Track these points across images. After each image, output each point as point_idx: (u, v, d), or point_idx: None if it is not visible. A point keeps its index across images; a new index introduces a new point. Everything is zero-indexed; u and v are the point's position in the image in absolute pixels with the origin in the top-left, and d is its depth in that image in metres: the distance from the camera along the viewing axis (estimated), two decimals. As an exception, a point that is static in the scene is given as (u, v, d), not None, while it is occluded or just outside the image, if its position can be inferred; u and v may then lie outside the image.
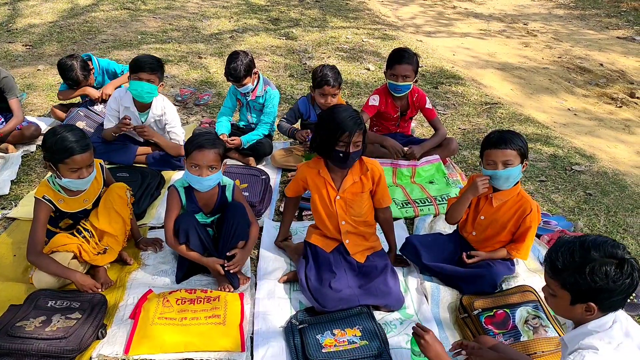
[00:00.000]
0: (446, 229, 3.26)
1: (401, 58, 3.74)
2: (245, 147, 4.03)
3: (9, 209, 3.44)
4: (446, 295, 2.77)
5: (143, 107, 3.89)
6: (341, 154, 2.62)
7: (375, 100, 3.92)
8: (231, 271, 2.75)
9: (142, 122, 3.90)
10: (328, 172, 2.77)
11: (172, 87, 5.51)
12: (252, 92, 4.04)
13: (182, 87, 5.51)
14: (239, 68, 3.82)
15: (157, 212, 3.50)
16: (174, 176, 3.92)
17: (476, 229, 2.88)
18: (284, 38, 7.26)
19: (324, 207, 2.81)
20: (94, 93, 4.43)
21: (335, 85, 3.73)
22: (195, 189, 2.88)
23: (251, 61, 3.92)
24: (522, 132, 4.69)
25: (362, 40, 7.29)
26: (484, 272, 2.71)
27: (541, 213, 3.44)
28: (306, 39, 7.27)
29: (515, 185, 2.76)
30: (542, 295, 2.63)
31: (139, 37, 6.96)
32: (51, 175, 2.77)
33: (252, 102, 4.10)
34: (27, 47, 6.50)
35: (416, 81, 3.90)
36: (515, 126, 4.90)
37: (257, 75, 4.03)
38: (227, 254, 2.79)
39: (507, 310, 2.51)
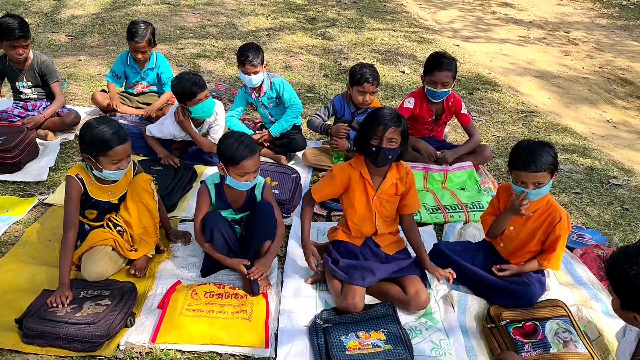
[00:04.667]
0: (476, 236, 3.22)
1: (440, 65, 3.70)
2: (276, 136, 4.07)
3: (46, 195, 3.53)
4: (473, 304, 2.73)
5: (200, 121, 3.93)
6: (374, 148, 2.63)
7: (410, 103, 3.90)
8: (252, 278, 2.74)
9: (197, 131, 3.94)
10: (368, 173, 2.78)
11: (208, 82, 5.55)
12: (259, 89, 4.08)
13: (218, 82, 5.57)
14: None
15: (188, 205, 3.55)
16: (206, 171, 3.97)
17: (504, 240, 2.84)
18: (320, 38, 7.27)
19: (363, 206, 2.81)
20: (123, 108, 4.49)
21: (374, 84, 3.74)
22: (225, 186, 2.92)
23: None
24: (559, 143, 4.63)
25: (399, 43, 7.25)
26: (520, 289, 2.65)
27: (575, 226, 3.38)
28: (342, 39, 7.26)
29: None
30: (572, 310, 2.61)
31: (178, 31, 7.06)
32: (85, 162, 2.82)
33: (264, 100, 4.13)
34: (70, 37, 6.67)
35: (453, 86, 3.86)
36: (552, 136, 4.81)
37: (266, 68, 4.07)
38: (247, 265, 2.80)
39: (537, 323, 2.47)
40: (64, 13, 7.47)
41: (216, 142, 3.95)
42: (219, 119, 3.97)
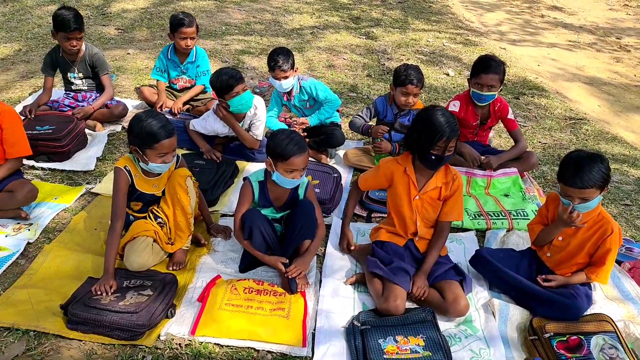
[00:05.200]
0: (519, 245, 3.14)
1: (488, 67, 3.63)
2: (315, 124, 4.11)
3: (93, 184, 3.62)
4: (515, 313, 2.66)
5: (240, 117, 3.96)
6: (434, 157, 2.62)
7: (455, 106, 3.83)
8: (290, 277, 2.75)
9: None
10: (414, 171, 2.77)
11: (252, 78, 5.61)
12: (289, 92, 4.10)
13: (261, 79, 5.60)
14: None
15: (230, 200, 3.58)
16: (248, 167, 4.00)
17: (552, 250, 2.76)
18: (364, 37, 7.24)
19: (404, 204, 2.80)
20: (168, 103, 4.52)
21: (418, 86, 3.70)
22: (268, 184, 2.93)
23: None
24: (608, 152, 4.47)
25: (443, 45, 7.15)
26: (566, 301, 2.57)
27: (624, 239, 3.26)
28: (386, 39, 7.21)
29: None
30: (619, 326, 2.52)
31: (224, 27, 7.14)
32: (133, 155, 2.88)
33: (295, 102, 4.15)
34: (119, 30, 6.82)
35: (500, 90, 3.77)
36: (601, 145, 4.66)
37: (296, 73, 4.07)
38: (285, 263, 2.81)
39: (582, 337, 2.39)
40: (114, 6, 7.65)
41: (258, 138, 4.01)
42: (260, 114, 3.99)
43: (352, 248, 3.06)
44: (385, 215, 3.42)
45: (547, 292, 2.65)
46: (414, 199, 2.78)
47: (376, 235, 2.93)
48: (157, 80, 4.63)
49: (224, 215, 3.44)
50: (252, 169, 3.94)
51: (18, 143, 3.22)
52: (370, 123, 4.01)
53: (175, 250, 2.95)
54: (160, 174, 2.93)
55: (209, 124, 3.98)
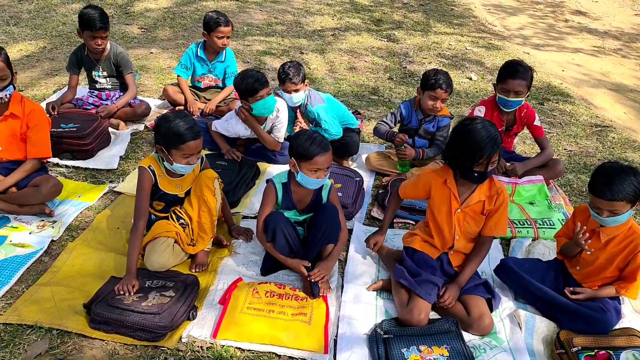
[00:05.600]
0: (545, 255, 3.08)
1: (515, 72, 3.57)
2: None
3: (117, 183, 3.63)
4: (542, 326, 2.61)
5: (263, 119, 3.95)
6: (477, 174, 2.52)
7: (480, 112, 3.78)
8: (313, 280, 2.73)
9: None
10: (455, 184, 2.68)
11: (273, 79, 5.59)
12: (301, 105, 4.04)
13: (283, 80, 5.58)
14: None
15: (251, 202, 3.57)
16: (269, 169, 3.99)
17: (581, 264, 2.70)
18: (386, 40, 7.20)
19: (443, 218, 2.72)
20: (195, 108, 4.49)
21: (447, 91, 3.66)
22: (292, 185, 2.92)
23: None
24: (635, 161, 4.39)
25: (466, 48, 7.08)
26: (595, 315, 2.51)
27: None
28: (408, 42, 7.16)
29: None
30: (649, 341, 2.45)
31: (245, 28, 7.15)
32: (157, 154, 2.89)
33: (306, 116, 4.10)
34: (142, 30, 6.86)
35: (528, 96, 3.71)
36: (628, 153, 4.57)
37: (307, 87, 4.01)
38: (308, 266, 2.79)
39: (611, 352, 2.33)
40: (137, 6, 7.70)
41: (279, 140, 4.00)
42: (282, 117, 3.97)
43: (377, 250, 3.02)
44: (412, 222, 3.41)
45: (575, 304, 2.59)
46: (455, 212, 2.68)
47: (410, 241, 2.85)
48: (179, 76, 4.61)
49: (245, 217, 3.43)
50: (274, 170, 3.93)
51: (39, 143, 3.23)
52: (394, 129, 3.97)
53: (197, 252, 2.94)
54: (183, 175, 2.92)
55: (231, 125, 3.97)
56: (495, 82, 3.76)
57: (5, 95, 3.06)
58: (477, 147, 2.45)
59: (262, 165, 4.00)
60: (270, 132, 4.00)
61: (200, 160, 2.94)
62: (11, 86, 3.08)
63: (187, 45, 6.35)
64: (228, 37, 4.50)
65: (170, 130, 2.71)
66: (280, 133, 4.00)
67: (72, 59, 4.30)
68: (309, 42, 6.84)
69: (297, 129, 4.07)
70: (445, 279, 2.70)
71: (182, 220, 2.97)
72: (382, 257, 3.04)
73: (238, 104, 3.97)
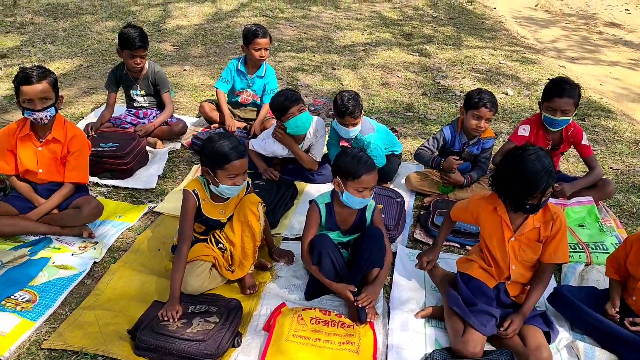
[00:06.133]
0: (600, 282, 2.95)
1: (562, 91, 3.45)
2: None
3: (156, 203, 3.61)
4: (602, 358, 2.48)
5: (300, 138, 3.90)
6: (529, 206, 2.41)
7: (525, 131, 3.68)
8: (360, 306, 2.65)
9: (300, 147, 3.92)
10: (506, 212, 2.56)
11: (306, 96, 5.57)
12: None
13: (316, 97, 5.56)
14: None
15: (290, 222, 3.51)
16: (307, 188, 3.93)
17: (636, 294, 2.58)
18: (417, 54, 7.13)
19: (495, 247, 2.61)
20: (233, 125, 4.49)
21: (492, 110, 3.56)
22: (335, 206, 2.86)
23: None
24: (687, 179, 4.22)
25: (499, 62, 6.97)
26: None
27: None
28: (440, 56, 7.08)
29: None
30: None
31: (276, 44, 7.15)
32: (202, 176, 2.86)
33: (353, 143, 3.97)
34: (175, 47, 6.92)
35: (574, 114, 3.60)
36: (677, 171, 4.40)
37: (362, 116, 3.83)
38: (354, 291, 2.72)
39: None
40: (169, 23, 7.78)
41: (317, 159, 3.94)
42: (320, 135, 3.93)
43: (430, 268, 2.96)
44: (456, 244, 3.31)
45: (635, 336, 2.47)
46: (508, 241, 2.57)
47: (466, 267, 2.73)
48: (218, 89, 4.58)
49: (285, 238, 3.37)
50: (312, 190, 3.88)
51: (78, 168, 3.23)
52: (436, 153, 3.87)
53: (244, 275, 2.89)
54: (228, 198, 2.89)
55: (268, 145, 3.93)
56: (540, 100, 3.65)
57: (46, 116, 3.05)
58: (532, 180, 2.32)
59: (299, 184, 3.95)
60: (307, 151, 3.95)
61: (246, 184, 2.90)
62: (52, 108, 3.08)
63: (219, 62, 6.40)
64: (266, 49, 4.47)
65: (215, 151, 2.68)
66: (317, 153, 3.95)
67: (111, 77, 4.33)
68: (340, 58, 6.81)
69: None
70: (501, 309, 2.59)
71: (220, 245, 2.93)
72: (435, 279, 2.93)
73: (274, 122, 3.94)
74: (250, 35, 4.41)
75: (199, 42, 7.12)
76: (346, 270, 2.82)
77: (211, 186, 2.81)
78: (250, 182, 2.99)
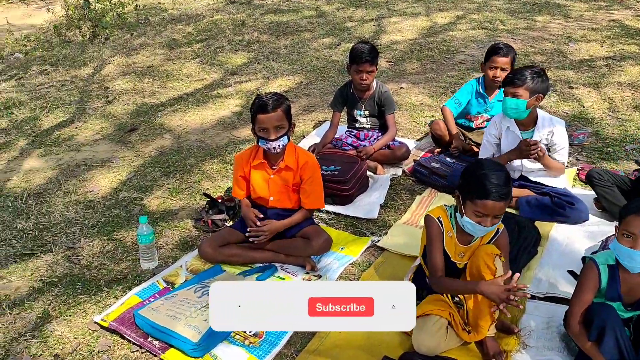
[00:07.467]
0: None
1: None
2: None
3: (378, 237, 3.32)
4: None
5: (525, 125, 3.47)
6: None
7: None
8: None
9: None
10: None
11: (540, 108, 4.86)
12: None
13: (575, 130, 4.75)
14: None
15: (535, 274, 2.94)
16: (552, 232, 3.30)
17: None
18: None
19: None
20: (460, 145, 4.09)
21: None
22: (621, 271, 2.25)
23: None
24: None
25: None
26: None
27: None
28: None
29: None
30: None
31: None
32: (451, 207, 2.54)
33: None
34: (390, 63, 6.70)
35: None
36: None
37: None
38: None
39: None
40: (383, 38, 7.62)
41: (564, 162, 3.51)
42: (557, 141, 3.47)
43: None
44: None
45: None
46: None
47: None
48: (446, 107, 4.16)
49: (532, 296, 2.80)
50: (559, 236, 3.25)
51: (313, 195, 3.15)
52: None
53: (486, 339, 2.43)
54: (472, 241, 2.47)
55: (503, 121, 3.56)
56: None
57: (279, 145, 2.99)
58: None
59: (543, 226, 3.32)
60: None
61: (496, 231, 2.45)
62: (285, 137, 3.00)
63: (437, 79, 6.01)
64: (503, 70, 3.93)
65: (476, 178, 2.32)
66: (564, 158, 3.51)
67: (337, 96, 4.19)
68: (578, 75, 5.92)
69: None
70: None
71: (457, 299, 2.51)
72: None
73: None
74: (489, 52, 3.95)
75: (414, 57, 6.81)
76: (634, 353, 2.18)
77: (457, 214, 2.43)
78: (501, 229, 2.51)
